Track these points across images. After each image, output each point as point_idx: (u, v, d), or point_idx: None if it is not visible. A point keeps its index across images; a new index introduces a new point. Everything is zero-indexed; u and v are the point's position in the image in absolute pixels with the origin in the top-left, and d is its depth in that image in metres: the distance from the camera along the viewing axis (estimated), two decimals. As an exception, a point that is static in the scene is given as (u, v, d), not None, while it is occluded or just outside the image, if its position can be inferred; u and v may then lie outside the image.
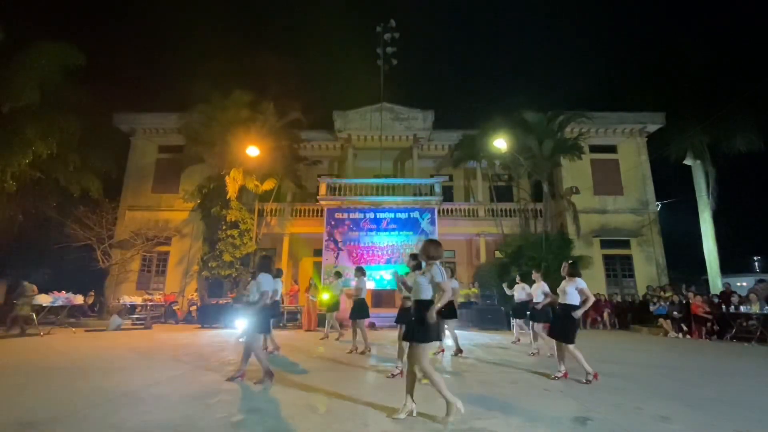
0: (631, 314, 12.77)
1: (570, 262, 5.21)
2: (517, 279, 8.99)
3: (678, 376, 5.18)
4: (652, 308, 11.67)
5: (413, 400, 3.32)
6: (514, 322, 9.20)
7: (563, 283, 5.06)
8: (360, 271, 7.58)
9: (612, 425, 3.14)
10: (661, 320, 10.87)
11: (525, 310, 8.37)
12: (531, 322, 7.27)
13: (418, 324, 3.34)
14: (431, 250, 3.54)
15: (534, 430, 3.03)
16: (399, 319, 5.76)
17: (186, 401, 3.66)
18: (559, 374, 4.86)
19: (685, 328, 10.34)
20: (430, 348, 3.39)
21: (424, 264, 4.97)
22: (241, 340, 8.35)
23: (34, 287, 9.67)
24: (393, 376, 4.88)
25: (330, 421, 3.17)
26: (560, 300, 5.07)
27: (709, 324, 9.97)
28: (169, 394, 3.93)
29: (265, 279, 4.69)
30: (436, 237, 15.02)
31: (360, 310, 7.16)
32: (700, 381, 4.95)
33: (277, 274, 9.11)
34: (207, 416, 3.23)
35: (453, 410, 3.16)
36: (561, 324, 4.99)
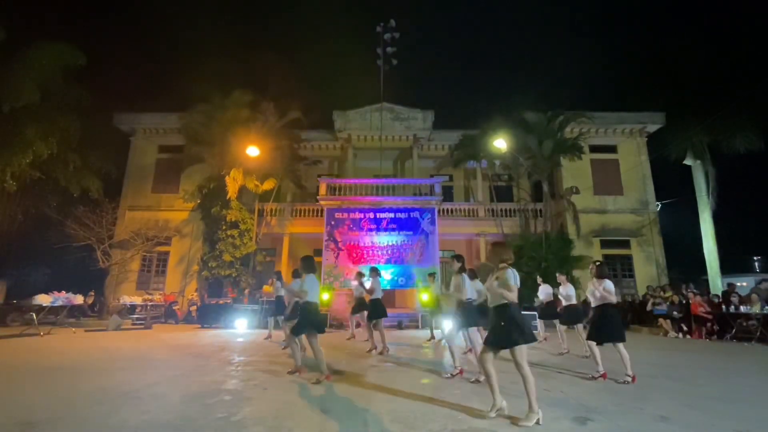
0: (631, 314, 12.76)
1: (598, 263, 5.15)
2: (539, 280, 8.98)
3: (678, 376, 5.17)
4: (649, 308, 11.65)
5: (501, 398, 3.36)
6: (538, 323, 9.20)
7: (591, 284, 5.02)
8: (375, 272, 7.58)
9: (612, 425, 3.14)
10: (661, 320, 10.86)
11: (550, 311, 8.40)
12: (557, 323, 7.34)
13: (511, 328, 3.27)
14: (504, 254, 3.47)
15: (534, 430, 3.03)
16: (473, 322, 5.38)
17: (186, 401, 3.66)
18: (597, 375, 4.82)
19: (685, 328, 10.33)
20: (526, 348, 3.37)
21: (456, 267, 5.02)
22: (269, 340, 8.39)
23: None
24: (453, 376, 4.84)
25: (330, 420, 3.17)
26: (592, 303, 5.02)
27: (709, 324, 9.97)
28: (169, 394, 3.93)
29: (310, 279, 4.73)
30: (436, 237, 15.03)
31: (377, 310, 7.17)
32: (700, 381, 4.94)
33: (278, 276, 9.15)
34: (207, 416, 3.23)
35: (496, 407, 3.27)
36: (598, 325, 4.89)
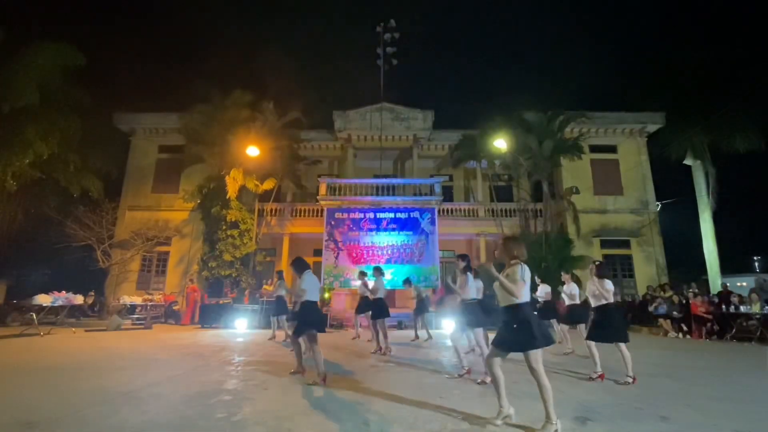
0: (631, 314, 12.76)
1: (598, 263, 5.12)
2: (538, 280, 8.99)
3: (678, 376, 5.17)
4: (650, 308, 11.64)
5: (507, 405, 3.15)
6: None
7: (591, 285, 4.99)
8: (378, 271, 7.61)
9: (612, 425, 3.14)
10: (661, 320, 10.87)
11: (549, 310, 8.42)
12: (559, 323, 7.35)
13: (523, 329, 3.01)
14: (515, 249, 3.19)
15: (534, 430, 3.02)
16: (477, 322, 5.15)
17: (186, 401, 3.66)
18: (595, 375, 4.82)
19: (685, 328, 10.34)
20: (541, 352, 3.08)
21: (463, 268, 4.97)
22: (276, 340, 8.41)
23: None
24: (460, 376, 4.80)
25: (330, 421, 3.16)
26: (593, 303, 4.99)
27: (709, 324, 9.97)
28: (169, 394, 3.93)
29: (308, 277, 4.72)
30: (436, 237, 15.03)
31: (379, 309, 7.16)
32: (700, 381, 4.94)
33: (280, 275, 9.22)
34: (207, 416, 3.23)
35: (503, 414, 3.05)
36: (599, 325, 4.86)
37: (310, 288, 4.69)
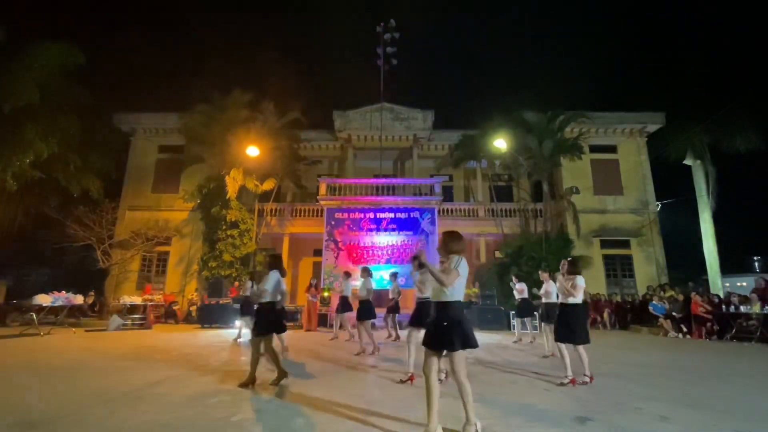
0: (631, 314, 12.77)
1: (569, 259, 5.04)
2: (514, 279, 9.06)
3: (678, 376, 5.17)
4: (656, 302, 11.61)
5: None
6: (515, 321, 9.17)
7: (559, 282, 4.95)
8: (366, 272, 7.55)
9: (612, 425, 3.14)
10: (661, 320, 10.87)
11: (526, 309, 8.44)
12: (542, 323, 7.28)
13: (451, 329, 2.83)
14: (452, 244, 3.05)
15: (534, 430, 3.03)
16: (414, 322, 5.05)
17: (186, 401, 3.66)
18: (566, 380, 4.51)
19: (684, 328, 10.34)
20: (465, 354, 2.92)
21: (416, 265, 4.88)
22: (240, 340, 8.38)
23: None
24: (403, 381, 4.57)
25: (330, 421, 3.16)
26: (561, 300, 4.90)
27: (709, 324, 9.97)
28: (169, 394, 3.93)
29: (273, 277, 4.63)
30: (436, 237, 15.01)
31: (366, 310, 7.14)
32: (701, 381, 4.94)
33: (250, 276, 9.27)
34: (207, 416, 3.23)
35: (472, 429, 2.81)
36: (565, 325, 4.71)
37: (271, 289, 4.58)
